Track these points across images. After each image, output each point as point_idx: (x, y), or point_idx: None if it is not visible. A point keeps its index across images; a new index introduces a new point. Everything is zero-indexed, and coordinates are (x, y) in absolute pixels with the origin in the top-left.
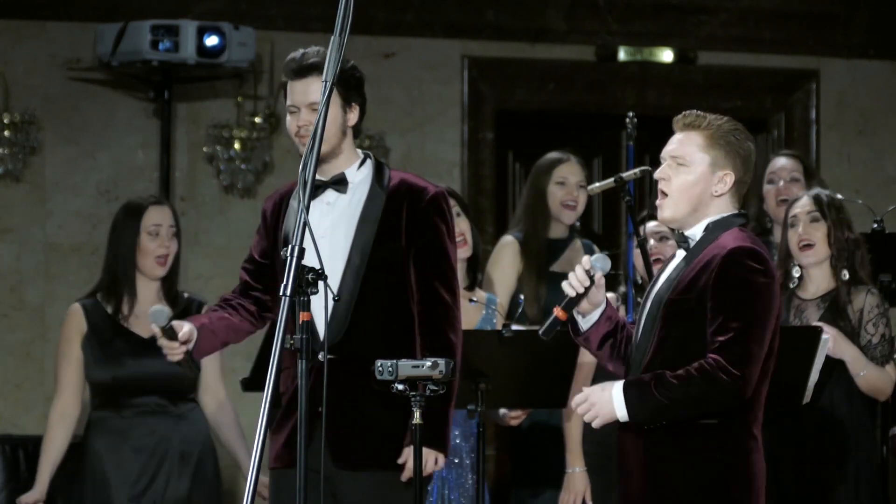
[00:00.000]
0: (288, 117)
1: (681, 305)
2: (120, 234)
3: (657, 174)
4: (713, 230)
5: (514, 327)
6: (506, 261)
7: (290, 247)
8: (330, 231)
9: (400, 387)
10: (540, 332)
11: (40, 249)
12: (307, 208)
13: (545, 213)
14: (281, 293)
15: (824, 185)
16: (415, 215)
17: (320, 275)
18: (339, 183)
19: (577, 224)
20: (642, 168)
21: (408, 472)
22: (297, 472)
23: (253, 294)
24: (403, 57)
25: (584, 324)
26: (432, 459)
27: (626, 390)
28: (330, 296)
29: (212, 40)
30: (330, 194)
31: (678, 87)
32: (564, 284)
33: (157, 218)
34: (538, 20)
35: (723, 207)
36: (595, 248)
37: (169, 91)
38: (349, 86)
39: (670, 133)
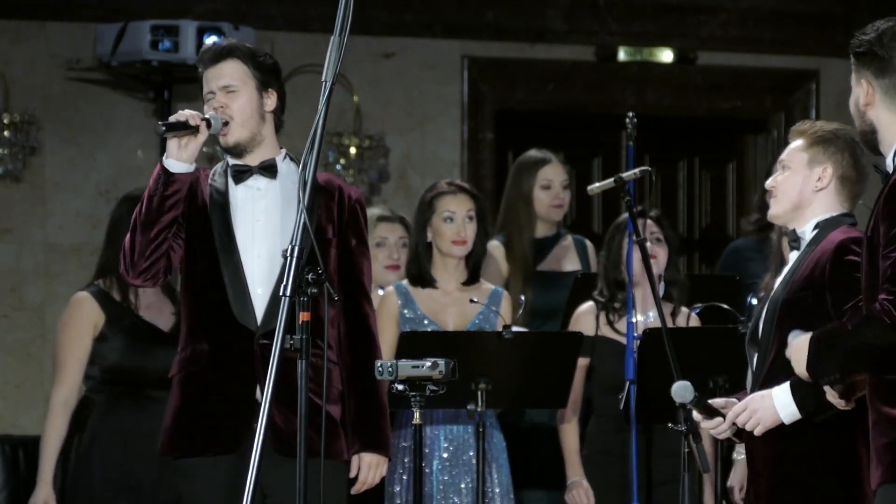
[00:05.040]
0: (204, 106)
1: (797, 304)
2: (116, 225)
3: (767, 184)
4: (824, 229)
5: (515, 328)
6: (492, 268)
7: (289, 247)
8: (264, 216)
9: (399, 387)
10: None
11: (40, 249)
12: (307, 209)
13: (530, 215)
14: (281, 293)
15: None
16: (344, 213)
17: (320, 275)
18: (268, 169)
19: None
20: (642, 168)
21: (359, 485)
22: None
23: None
24: (403, 57)
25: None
26: (375, 466)
27: (793, 389)
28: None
29: (212, 40)
30: (259, 180)
31: (678, 88)
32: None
33: None
34: (538, 20)
35: (829, 205)
36: (586, 241)
37: (169, 91)
38: (263, 69)
39: (670, 133)
